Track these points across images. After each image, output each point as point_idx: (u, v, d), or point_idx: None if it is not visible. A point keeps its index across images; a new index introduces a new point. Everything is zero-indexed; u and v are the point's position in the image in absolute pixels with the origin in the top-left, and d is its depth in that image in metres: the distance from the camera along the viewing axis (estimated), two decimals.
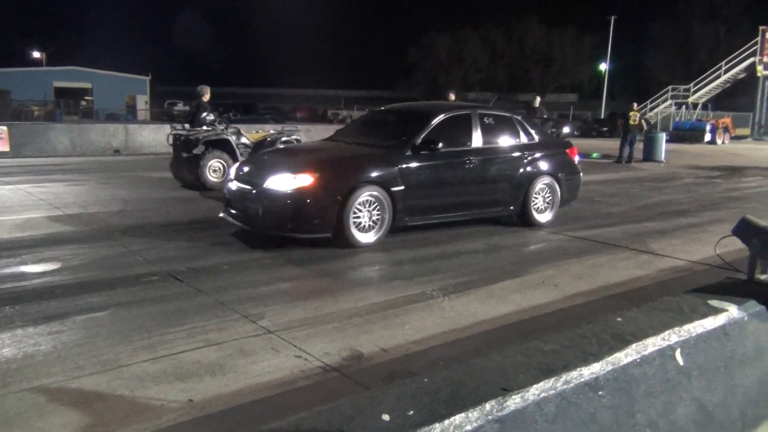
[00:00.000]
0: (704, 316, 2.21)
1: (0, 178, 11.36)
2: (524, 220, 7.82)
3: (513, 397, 1.53)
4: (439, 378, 1.59)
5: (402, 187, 6.55)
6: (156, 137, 17.70)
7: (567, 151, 8.41)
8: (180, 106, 48.43)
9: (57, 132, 17.26)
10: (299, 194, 6.08)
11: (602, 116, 45.56)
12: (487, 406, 1.47)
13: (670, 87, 38.68)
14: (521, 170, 7.64)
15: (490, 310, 4.67)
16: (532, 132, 7.97)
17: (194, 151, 10.18)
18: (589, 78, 64.09)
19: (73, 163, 14.43)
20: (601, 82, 49.99)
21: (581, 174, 8.59)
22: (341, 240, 6.26)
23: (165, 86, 61.42)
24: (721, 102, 39.14)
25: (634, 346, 1.88)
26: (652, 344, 1.93)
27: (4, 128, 16.19)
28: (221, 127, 10.83)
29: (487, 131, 7.50)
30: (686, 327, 2.09)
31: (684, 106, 37.45)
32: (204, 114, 10.75)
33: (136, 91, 51.13)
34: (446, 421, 1.38)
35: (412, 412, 1.40)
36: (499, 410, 1.48)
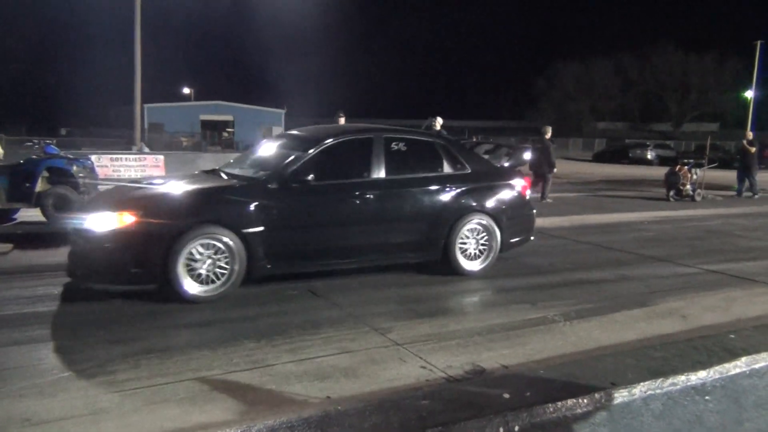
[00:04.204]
0: None
1: None
2: (448, 266, 6.45)
3: (621, 390, 1.72)
4: (554, 371, 1.83)
5: (260, 228, 5.48)
6: None
7: (513, 183, 6.93)
8: None
9: (205, 160, 18.99)
10: (115, 237, 5.08)
11: None
12: (596, 395, 1.69)
13: None
14: (442, 207, 6.35)
15: (613, 336, 4.70)
16: (463, 160, 6.67)
17: None
18: (733, 106, 60.02)
19: None
20: (746, 110, 46.76)
21: (534, 211, 7.19)
22: (170, 293, 5.21)
23: (296, 118, 65.07)
24: None
25: (744, 359, 1.99)
26: (763, 359, 2.03)
27: (161, 157, 18.23)
28: None
29: (394, 159, 6.28)
30: None
31: None
32: None
33: (272, 122, 54.66)
34: (558, 403, 1.62)
35: (529, 393, 1.65)
36: (607, 400, 1.69)
